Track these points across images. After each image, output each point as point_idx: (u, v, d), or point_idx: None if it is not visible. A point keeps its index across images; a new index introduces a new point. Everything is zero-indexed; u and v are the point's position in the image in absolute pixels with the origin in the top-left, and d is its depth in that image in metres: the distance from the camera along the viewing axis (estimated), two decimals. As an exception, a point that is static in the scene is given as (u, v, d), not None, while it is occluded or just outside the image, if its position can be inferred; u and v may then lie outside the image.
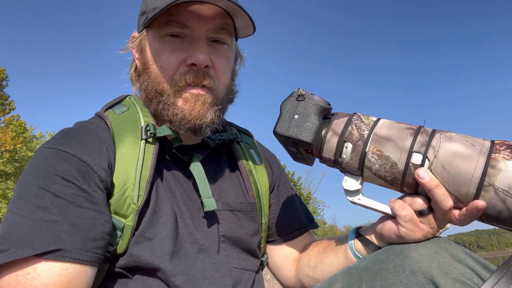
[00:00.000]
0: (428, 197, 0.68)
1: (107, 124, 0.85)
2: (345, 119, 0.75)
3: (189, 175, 0.89)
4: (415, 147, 0.68)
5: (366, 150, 0.71)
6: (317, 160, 0.82)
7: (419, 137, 0.68)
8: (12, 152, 20.12)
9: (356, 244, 0.83)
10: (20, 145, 20.30)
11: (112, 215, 0.76)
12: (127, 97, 0.93)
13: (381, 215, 0.78)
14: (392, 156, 0.69)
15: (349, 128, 0.73)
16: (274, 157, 1.13)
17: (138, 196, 0.77)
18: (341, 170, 0.77)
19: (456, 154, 0.65)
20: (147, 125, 0.83)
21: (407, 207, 0.70)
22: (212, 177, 0.93)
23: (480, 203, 0.63)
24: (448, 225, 0.72)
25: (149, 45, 0.86)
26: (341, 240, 0.90)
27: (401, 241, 0.72)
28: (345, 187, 0.75)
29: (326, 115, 0.79)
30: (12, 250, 0.64)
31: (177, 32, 0.82)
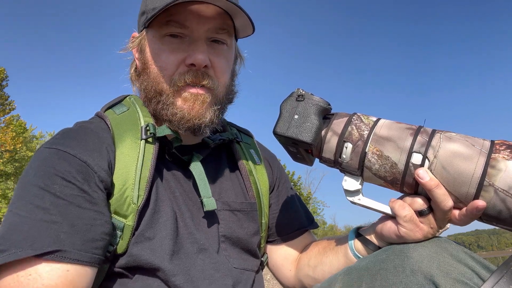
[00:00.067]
0: (428, 197, 0.68)
1: (107, 124, 0.85)
2: (345, 119, 0.75)
3: (189, 175, 0.89)
4: (415, 147, 0.68)
5: (366, 150, 0.71)
6: (317, 160, 0.82)
7: (419, 137, 0.68)
8: (12, 152, 20.12)
9: (356, 244, 0.83)
10: (20, 145, 20.30)
11: (112, 215, 0.76)
12: (127, 97, 0.93)
13: (381, 215, 0.78)
14: (392, 156, 0.69)
15: (349, 128, 0.73)
16: (274, 157, 1.13)
17: (138, 196, 0.77)
18: (341, 170, 0.77)
19: (456, 154, 0.65)
20: (147, 125, 0.83)
21: (407, 207, 0.70)
22: (212, 177, 0.93)
23: (480, 203, 0.63)
24: (448, 225, 0.72)
25: (149, 45, 0.86)
26: (341, 240, 0.90)
27: (401, 241, 0.72)
28: (345, 187, 0.75)
29: (326, 115, 0.79)
30: (12, 251, 0.64)
31: (176, 32, 0.83)
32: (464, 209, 0.66)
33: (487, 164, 0.63)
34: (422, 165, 0.67)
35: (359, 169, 0.73)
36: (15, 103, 21.18)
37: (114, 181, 0.77)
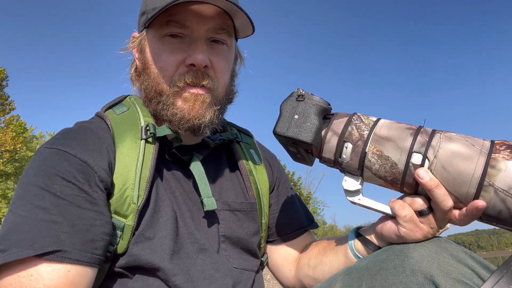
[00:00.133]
0: (428, 197, 0.68)
1: (107, 124, 0.85)
2: (345, 119, 0.75)
3: (189, 175, 0.89)
4: (415, 147, 0.68)
5: (366, 150, 0.71)
6: (317, 160, 0.82)
7: (419, 137, 0.68)
8: (12, 152, 20.12)
9: (356, 244, 0.83)
10: (20, 145, 20.30)
11: (112, 215, 0.76)
12: (127, 97, 0.93)
13: (381, 215, 0.78)
14: (392, 156, 0.69)
15: (349, 128, 0.73)
16: (274, 157, 1.13)
17: (138, 196, 0.77)
18: (341, 170, 0.77)
19: (456, 154, 0.65)
20: (147, 125, 0.83)
21: (407, 207, 0.70)
22: (212, 177, 0.93)
23: (480, 203, 0.63)
24: (448, 225, 0.72)
25: (149, 45, 0.86)
26: (341, 240, 0.90)
27: (401, 241, 0.72)
28: (345, 187, 0.75)
29: (326, 115, 0.79)
30: (12, 250, 0.64)
31: (176, 32, 0.83)
32: (464, 209, 0.66)
33: (487, 164, 0.63)
34: (422, 165, 0.67)
35: (359, 169, 0.73)
36: (15, 103, 21.20)
37: (114, 181, 0.77)
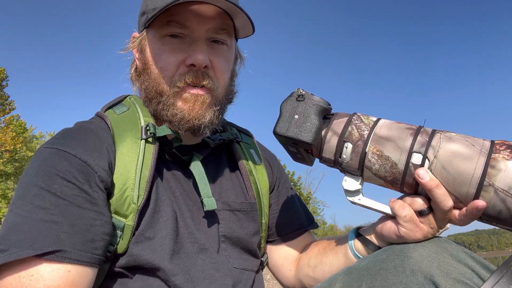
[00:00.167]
0: (428, 197, 0.68)
1: (107, 124, 0.85)
2: (345, 119, 0.75)
3: (189, 175, 0.89)
4: (415, 147, 0.68)
5: (366, 150, 0.71)
6: (317, 160, 0.82)
7: (419, 137, 0.68)
8: (12, 152, 20.12)
9: (356, 244, 0.83)
10: (20, 145, 20.30)
11: (113, 215, 0.76)
12: (127, 97, 0.93)
13: (381, 215, 0.78)
14: (392, 156, 0.69)
15: (349, 128, 0.73)
16: (274, 157, 1.13)
17: (138, 195, 0.77)
18: (341, 170, 0.77)
19: (456, 154, 0.65)
20: (147, 125, 0.83)
21: (407, 207, 0.70)
22: (212, 177, 0.93)
23: (480, 203, 0.63)
24: (448, 225, 0.72)
25: (149, 45, 0.86)
26: (341, 240, 0.90)
27: (401, 241, 0.72)
28: (345, 187, 0.75)
29: (326, 115, 0.79)
30: (13, 250, 0.64)
31: (176, 32, 0.83)
32: (464, 209, 0.66)
33: (487, 164, 0.63)
34: (422, 165, 0.67)
35: (359, 169, 0.73)
36: (15, 103, 21.20)
37: (114, 181, 0.77)
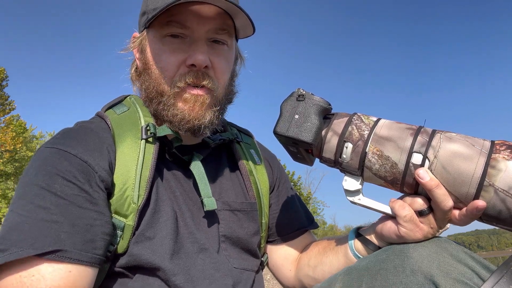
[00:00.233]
0: (428, 197, 0.68)
1: (107, 124, 0.85)
2: (345, 119, 0.75)
3: (189, 175, 0.89)
4: (415, 147, 0.68)
5: (366, 150, 0.71)
6: (317, 160, 0.82)
7: (419, 137, 0.68)
8: (12, 152, 20.12)
9: (356, 244, 0.83)
10: (20, 145, 20.30)
11: (113, 214, 0.77)
12: (128, 97, 0.94)
13: (381, 215, 0.78)
14: (392, 156, 0.69)
15: (349, 128, 0.73)
16: (274, 157, 1.13)
17: (138, 195, 0.77)
18: (341, 170, 0.77)
19: (456, 154, 0.65)
20: (147, 125, 0.83)
21: (407, 207, 0.70)
22: (212, 177, 0.93)
23: (480, 203, 0.63)
24: (448, 225, 0.72)
25: (150, 45, 0.86)
26: (341, 240, 0.90)
27: (401, 241, 0.72)
28: (345, 187, 0.75)
29: (326, 115, 0.79)
30: (13, 250, 0.64)
31: (177, 32, 0.83)
32: (464, 209, 0.66)
33: (487, 164, 0.63)
34: (422, 165, 0.67)
35: (359, 169, 0.73)
36: (15, 103, 21.21)
37: (115, 181, 0.77)
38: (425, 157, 0.67)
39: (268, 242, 1.04)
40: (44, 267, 0.65)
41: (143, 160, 0.80)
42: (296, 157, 0.84)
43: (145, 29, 0.87)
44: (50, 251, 0.65)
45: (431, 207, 0.69)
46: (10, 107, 20.91)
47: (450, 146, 0.66)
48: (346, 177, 0.76)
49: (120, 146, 0.80)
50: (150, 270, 0.78)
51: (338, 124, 0.75)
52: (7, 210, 0.71)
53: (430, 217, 0.69)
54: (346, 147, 0.73)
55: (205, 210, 0.85)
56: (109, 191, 0.77)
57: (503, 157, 0.63)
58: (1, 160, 19.83)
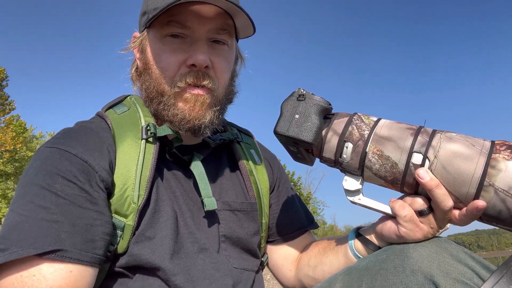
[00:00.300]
0: (428, 197, 0.68)
1: (107, 123, 0.85)
2: (346, 119, 0.75)
3: (190, 175, 0.89)
4: (416, 147, 0.68)
5: (367, 150, 0.71)
6: (317, 160, 0.82)
7: (419, 137, 0.68)
8: (12, 152, 20.12)
9: (356, 244, 0.83)
10: (20, 145, 20.30)
11: (113, 214, 0.77)
12: (128, 97, 0.94)
13: (381, 215, 0.78)
14: (393, 156, 0.69)
15: (350, 128, 0.73)
16: (274, 157, 1.13)
17: (139, 195, 0.77)
18: (341, 170, 0.77)
19: (456, 154, 0.65)
20: (148, 125, 0.83)
21: (407, 207, 0.70)
22: (213, 177, 0.93)
23: (480, 203, 0.63)
24: (448, 225, 0.72)
25: (150, 45, 0.86)
26: (341, 240, 0.90)
27: (401, 241, 0.72)
28: (345, 187, 0.75)
29: (326, 115, 0.79)
30: (13, 249, 0.64)
31: (177, 32, 0.83)
32: (464, 209, 0.66)
33: (487, 164, 0.63)
34: (422, 165, 0.67)
35: (360, 169, 0.73)
36: (15, 103, 21.20)
37: (115, 180, 0.77)
38: (425, 157, 0.67)
39: (268, 242, 1.04)
40: (45, 267, 0.65)
41: (143, 160, 0.80)
42: (297, 157, 0.84)
43: (145, 29, 0.87)
44: (51, 251, 0.65)
45: (431, 207, 0.69)
46: (10, 107, 20.91)
47: (450, 146, 0.66)
48: (346, 177, 0.76)
49: (120, 146, 0.80)
50: (150, 270, 0.78)
51: (339, 124, 0.75)
52: (7, 210, 0.71)
53: (430, 217, 0.69)
54: (346, 147, 0.73)
55: (205, 210, 0.85)
56: (109, 191, 0.77)
57: (503, 157, 0.63)
58: (1, 160, 19.83)
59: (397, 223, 0.71)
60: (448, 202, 0.66)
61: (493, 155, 0.63)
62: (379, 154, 0.70)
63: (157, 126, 0.85)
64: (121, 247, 0.77)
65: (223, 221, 0.90)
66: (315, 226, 1.08)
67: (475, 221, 0.68)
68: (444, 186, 0.66)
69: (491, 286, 0.57)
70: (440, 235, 0.73)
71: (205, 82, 0.83)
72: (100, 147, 0.78)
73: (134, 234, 0.78)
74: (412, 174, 0.68)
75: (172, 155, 0.89)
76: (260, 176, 0.99)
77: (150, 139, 0.83)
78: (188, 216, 0.85)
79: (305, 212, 1.07)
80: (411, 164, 0.68)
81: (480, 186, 0.63)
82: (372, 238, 0.80)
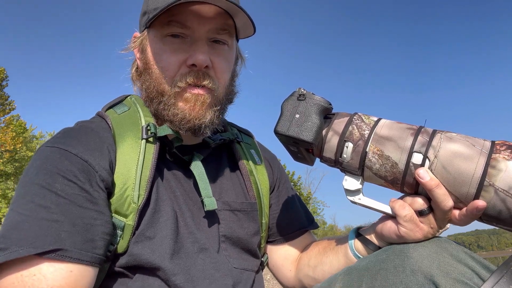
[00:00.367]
0: (428, 197, 0.68)
1: (108, 123, 0.85)
2: (346, 119, 0.75)
3: (190, 175, 0.89)
4: (416, 147, 0.68)
5: (367, 150, 0.71)
6: (317, 160, 0.82)
7: (419, 137, 0.68)
8: (12, 152, 20.12)
9: (356, 244, 0.83)
10: (20, 145, 20.30)
11: (113, 214, 0.77)
12: (128, 97, 0.94)
13: (381, 215, 0.78)
14: (393, 156, 0.69)
15: (350, 128, 0.74)
16: (274, 157, 1.13)
17: (139, 195, 0.77)
18: (341, 170, 0.77)
19: (456, 154, 0.65)
20: (148, 125, 0.83)
21: (407, 207, 0.70)
22: (213, 177, 0.93)
23: (480, 203, 0.63)
24: (448, 225, 0.72)
25: (150, 45, 0.86)
26: (341, 240, 0.90)
27: (401, 241, 0.72)
28: (345, 187, 0.75)
29: (327, 115, 0.79)
30: (13, 249, 0.64)
31: (177, 32, 0.83)
32: (464, 209, 0.66)
33: (487, 164, 0.63)
34: (422, 165, 0.67)
35: (360, 169, 0.73)
36: (15, 103, 21.21)
37: (115, 180, 0.77)
38: (425, 157, 0.67)
39: (268, 242, 1.04)
40: (45, 267, 0.65)
41: (143, 160, 0.80)
42: (297, 156, 0.84)
43: (145, 29, 0.87)
44: (51, 250, 0.65)
45: (431, 207, 0.69)
46: (10, 107, 20.91)
47: (450, 146, 0.66)
48: (346, 177, 0.76)
49: (120, 146, 0.80)
50: (150, 270, 0.78)
51: (339, 124, 0.75)
52: (8, 210, 0.71)
53: (430, 217, 0.69)
54: (347, 147, 0.73)
55: (205, 210, 0.85)
56: (109, 190, 0.77)
57: (503, 157, 0.63)
58: (1, 160, 19.83)
59: (397, 223, 0.72)
60: (448, 202, 0.66)
61: (493, 155, 0.63)
62: (379, 154, 0.70)
63: (157, 126, 0.85)
64: (121, 247, 0.77)
65: (223, 221, 0.90)
66: (315, 226, 1.08)
67: (475, 221, 0.68)
68: (444, 186, 0.66)
69: (491, 286, 0.57)
70: (440, 235, 0.73)
71: (205, 82, 0.83)
72: (100, 147, 0.78)
73: (134, 234, 0.78)
74: (412, 174, 0.68)
75: (172, 155, 0.89)
76: (260, 176, 0.99)
77: (150, 139, 0.83)
78: (188, 216, 0.85)
79: (305, 212, 1.07)
80: (411, 164, 0.68)
81: (480, 186, 0.63)
82: (372, 238, 0.80)
